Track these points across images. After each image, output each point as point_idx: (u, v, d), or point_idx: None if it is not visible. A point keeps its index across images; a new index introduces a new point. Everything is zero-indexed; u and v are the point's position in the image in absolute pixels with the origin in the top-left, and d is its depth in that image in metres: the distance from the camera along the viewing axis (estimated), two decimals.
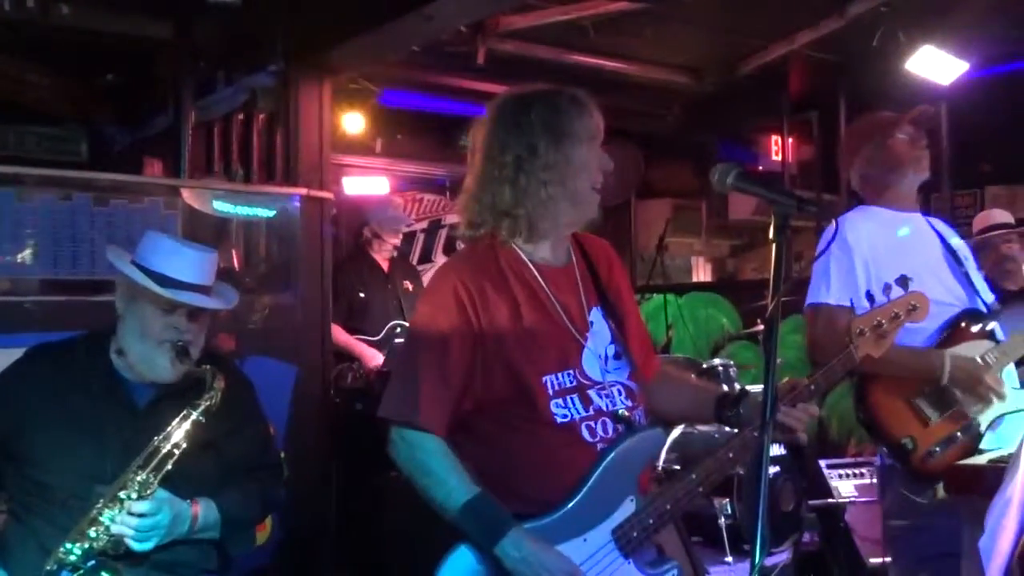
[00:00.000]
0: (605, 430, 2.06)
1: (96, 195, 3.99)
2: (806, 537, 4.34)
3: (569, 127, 2.06)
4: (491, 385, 2.02)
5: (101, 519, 2.21)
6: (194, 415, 2.28)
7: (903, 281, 2.22)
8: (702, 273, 9.22)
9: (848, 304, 2.72)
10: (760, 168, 7.56)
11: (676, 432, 4.81)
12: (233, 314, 3.93)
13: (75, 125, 5.48)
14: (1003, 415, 2.71)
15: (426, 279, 5.65)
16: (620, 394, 2.11)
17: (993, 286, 3.07)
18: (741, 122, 7.53)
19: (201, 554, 2.39)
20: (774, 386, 1.71)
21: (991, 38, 5.70)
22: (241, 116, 4.72)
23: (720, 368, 5.27)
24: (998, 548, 1.72)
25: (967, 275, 2.88)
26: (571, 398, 2.05)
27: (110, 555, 2.21)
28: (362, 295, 5.20)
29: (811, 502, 4.17)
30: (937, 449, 2.64)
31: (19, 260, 3.90)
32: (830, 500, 3.96)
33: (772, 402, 1.69)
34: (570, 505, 1.99)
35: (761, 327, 5.61)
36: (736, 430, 2.15)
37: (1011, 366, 2.81)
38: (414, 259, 7.18)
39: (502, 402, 2.04)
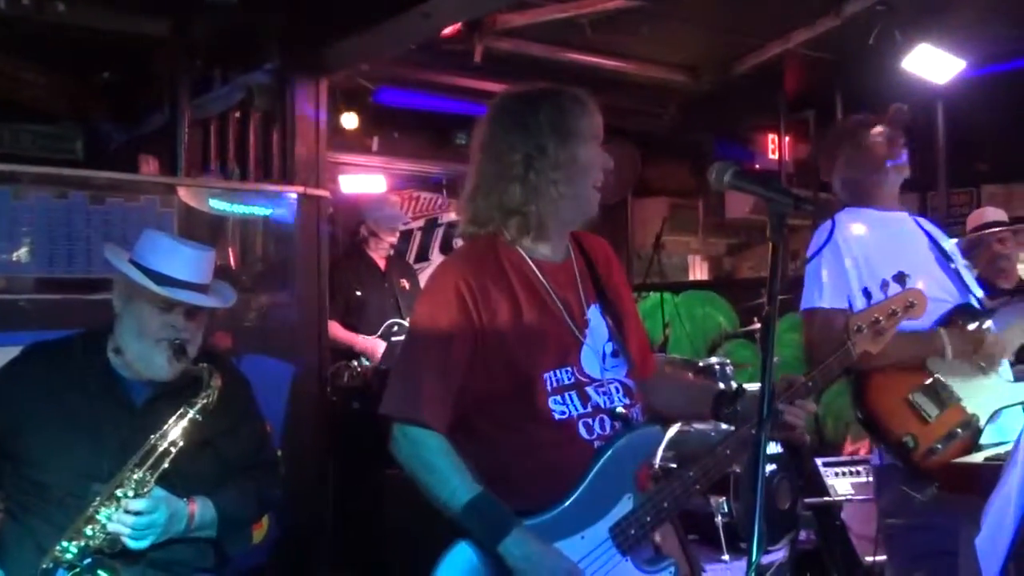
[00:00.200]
0: (603, 427, 2.07)
1: (92, 193, 3.99)
2: (802, 535, 4.35)
3: (575, 126, 2.08)
4: (490, 381, 2.03)
5: (98, 517, 2.21)
6: (191, 413, 2.28)
7: (900, 278, 2.23)
8: (699, 271, 9.23)
9: (842, 306, 2.72)
10: (757, 167, 7.57)
11: (673, 430, 4.81)
12: (230, 312, 3.90)
13: (71, 123, 5.46)
14: (1001, 409, 2.71)
15: (423, 278, 5.65)
16: (618, 392, 2.12)
17: (987, 284, 3.07)
18: (738, 121, 7.54)
19: (198, 552, 2.39)
20: (771, 384, 1.72)
21: (988, 37, 5.72)
22: (237, 114, 4.71)
23: (717, 366, 5.28)
24: (995, 546, 1.73)
25: (957, 271, 2.89)
26: (569, 395, 2.05)
27: (106, 553, 2.21)
28: (359, 293, 5.20)
29: (807, 500, 4.17)
30: (939, 446, 2.64)
31: (15, 258, 3.90)
32: (826, 498, 3.96)
33: (769, 400, 1.70)
34: (568, 502, 1.99)
35: (758, 325, 5.61)
36: (733, 428, 2.16)
37: (1005, 361, 2.82)
38: (411, 257, 7.18)
39: (501, 399, 2.04)
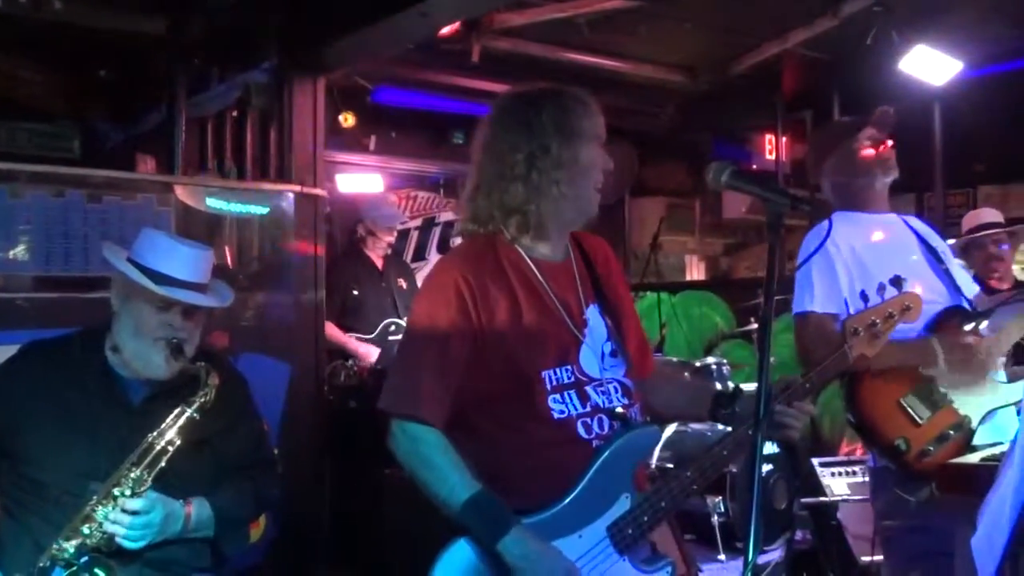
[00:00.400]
0: (601, 427, 2.07)
1: (89, 192, 3.98)
2: (798, 535, 4.36)
3: (578, 126, 2.09)
4: (490, 379, 2.03)
5: (95, 516, 2.21)
6: (189, 412, 2.28)
7: (897, 281, 2.23)
8: (696, 271, 9.24)
9: (833, 311, 2.73)
10: (754, 167, 7.57)
11: (669, 430, 4.82)
12: (227, 311, 3.90)
13: (68, 121, 5.46)
14: (994, 409, 2.72)
15: (420, 277, 5.65)
16: (616, 391, 2.12)
17: (982, 285, 3.07)
18: (735, 121, 7.55)
19: (194, 552, 2.39)
20: (768, 384, 1.72)
21: (985, 38, 5.73)
22: (235, 113, 4.70)
23: (713, 366, 5.29)
24: (991, 547, 1.73)
25: (947, 272, 2.89)
26: (569, 394, 2.06)
27: (103, 552, 2.21)
28: (356, 293, 5.20)
29: (803, 500, 4.17)
30: (931, 448, 2.65)
31: (12, 257, 3.89)
32: (822, 498, 3.97)
33: (766, 400, 1.70)
34: (566, 502, 1.99)
35: (754, 325, 5.62)
36: (731, 428, 2.16)
37: (999, 361, 2.82)
38: (408, 257, 7.18)
39: (500, 397, 2.04)
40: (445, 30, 4.91)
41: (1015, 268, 4.80)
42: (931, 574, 2.64)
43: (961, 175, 6.76)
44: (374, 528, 4.49)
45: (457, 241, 2.23)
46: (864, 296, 2.25)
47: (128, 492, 2.22)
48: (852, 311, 2.25)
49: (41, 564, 2.19)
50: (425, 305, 2.08)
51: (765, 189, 1.83)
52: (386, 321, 5.15)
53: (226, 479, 2.43)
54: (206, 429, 2.33)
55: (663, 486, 2.07)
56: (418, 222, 7.40)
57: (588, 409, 2.07)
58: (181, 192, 4.25)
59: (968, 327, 2.76)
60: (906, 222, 3.02)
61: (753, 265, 8.58)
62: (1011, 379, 2.82)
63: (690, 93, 6.62)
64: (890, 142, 2.97)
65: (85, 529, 2.21)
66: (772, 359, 4.56)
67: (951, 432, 2.67)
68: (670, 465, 4.57)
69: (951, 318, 2.79)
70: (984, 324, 2.79)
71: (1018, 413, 2.57)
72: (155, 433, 2.26)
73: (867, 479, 3.20)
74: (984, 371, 2.69)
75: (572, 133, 2.08)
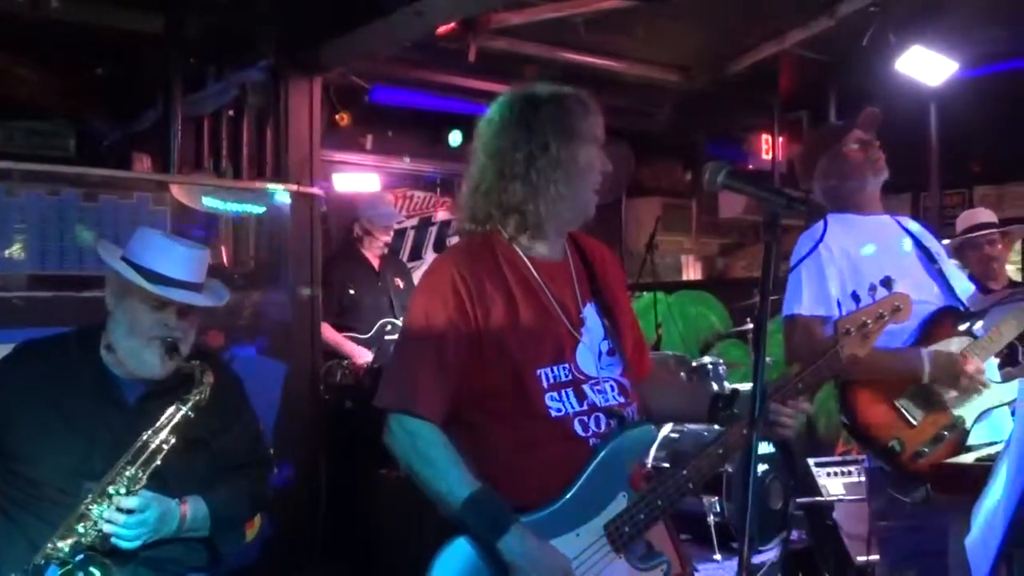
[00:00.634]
0: (598, 425, 2.07)
1: (84, 190, 3.98)
2: (794, 535, 4.36)
3: (578, 127, 2.10)
4: (486, 377, 2.03)
5: (90, 514, 2.21)
6: (183, 410, 2.28)
7: (887, 282, 2.24)
8: (692, 271, 9.25)
9: (821, 314, 2.74)
10: (750, 167, 7.58)
11: (665, 430, 4.83)
12: (223, 311, 3.91)
13: (63, 120, 5.45)
14: (988, 409, 2.72)
15: (416, 276, 5.64)
16: (613, 390, 2.12)
17: (977, 285, 3.08)
18: (732, 121, 7.55)
19: (190, 551, 2.39)
20: (763, 384, 1.72)
21: (980, 38, 5.73)
22: (231, 112, 4.70)
23: (709, 366, 5.30)
24: (985, 546, 1.74)
25: (941, 272, 2.90)
26: (566, 392, 2.06)
27: (98, 551, 2.21)
28: (352, 292, 5.19)
29: (799, 500, 4.18)
30: (925, 449, 2.66)
31: (7, 255, 3.89)
32: (818, 498, 3.97)
33: (761, 400, 1.70)
34: (563, 500, 1.99)
35: (751, 325, 5.62)
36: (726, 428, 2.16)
37: (992, 363, 2.83)
38: (404, 256, 7.17)
39: (496, 395, 2.05)
40: (441, 29, 4.91)
41: (1010, 269, 4.81)
42: (926, 573, 2.65)
43: (957, 175, 6.77)
44: (369, 528, 4.49)
45: (454, 240, 2.24)
46: (856, 297, 2.26)
47: (123, 490, 2.22)
48: (844, 312, 2.26)
49: (36, 562, 2.19)
50: (422, 302, 2.08)
51: (761, 189, 1.84)
52: (382, 321, 5.15)
53: (221, 478, 2.43)
54: (201, 428, 2.33)
55: (659, 485, 2.07)
56: (414, 221, 7.39)
57: (585, 407, 2.07)
58: (177, 191, 4.24)
59: (962, 327, 2.77)
60: (899, 223, 3.03)
61: (749, 265, 8.59)
62: (1005, 379, 2.82)
63: (687, 93, 6.61)
64: (878, 143, 2.98)
65: (80, 528, 2.21)
66: (768, 359, 4.57)
67: (945, 433, 2.68)
68: (666, 464, 4.58)
69: (944, 318, 2.79)
70: (979, 324, 2.80)
71: (1012, 413, 2.57)
72: (150, 431, 2.26)
73: (863, 479, 3.21)
74: (970, 394, 2.70)
75: (571, 134, 2.08)
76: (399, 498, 4.08)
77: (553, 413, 2.04)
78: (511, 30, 5.37)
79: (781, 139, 7.38)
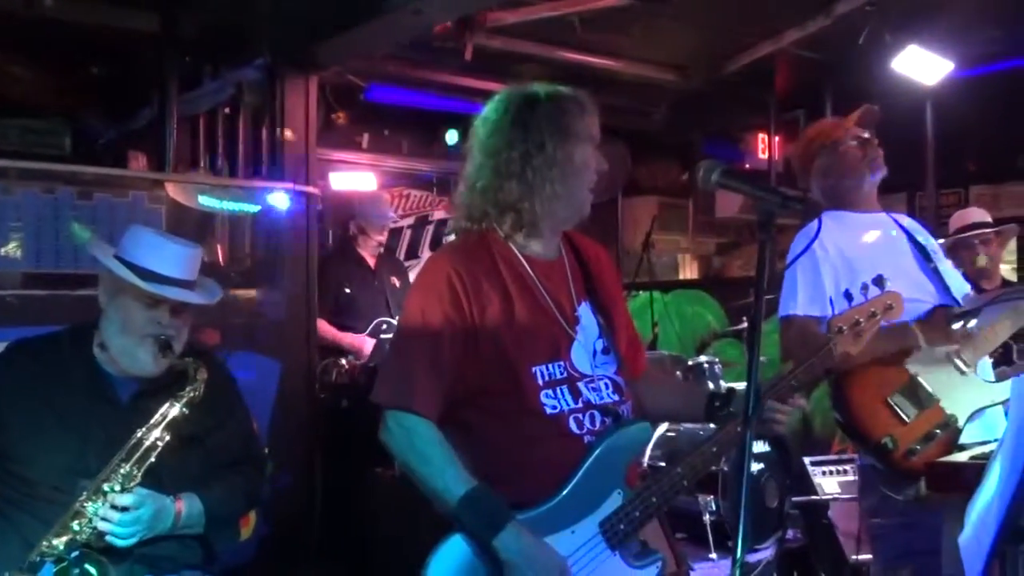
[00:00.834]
0: (593, 423, 2.08)
1: (79, 189, 3.97)
2: (789, 534, 4.36)
3: (574, 127, 2.10)
4: (482, 374, 2.04)
5: (85, 512, 2.21)
6: (177, 407, 2.28)
7: (880, 281, 2.25)
8: (688, 271, 9.25)
9: (817, 314, 2.74)
10: (747, 166, 7.58)
11: (661, 428, 4.82)
12: (218, 309, 3.90)
13: (59, 118, 5.44)
14: (981, 408, 2.73)
15: (413, 275, 5.64)
16: (607, 388, 2.13)
17: (971, 285, 3.08)
18: (728, 120, 7.55)
19: (184, 549, 2.39)
20: (757, 383, 1.72)
21: (976, 38, 5.74)
22: (227, 110, 4.69)
23: (705, 365, 5.29)
24: (978, 544, 1.74)
25: (936, 271, 2.90)
26: (561, 389, 2.06)
27: (93, 548, 2.21)
28: (348, 291, 5.19)
29: (795, 499, 4.18)
30: (917, 447, 2.66)
31: (2, 254, 3.88)
32: (813, 497, 3.98)
33: (755, 399, 1.71)
34: (559, 497, 2.00)
35: (746, 325, 5.62)
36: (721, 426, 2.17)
37: (987, 362, 2.83)
38: (401, 254, 7.17)
39: (492, 392, 2.05)
40: (437, 28, 4.91)
41: (1004, 268, 4.82)
42: (919, 571, 2.65)
43: (953, 175, 6.78)
44: (365, 526, 4.49)
45: (450, 239, 2.25)
46: (848, 295, 2.27)
47: (118, 488, 2.22)
48: (837, 310, 2.26)
49: (31, 558, 2.19)
50: (418, 299, 2.09)
51: (755, 188, 1.84)
52: (377, 320, 5.14)
53: (216, 475, 2.43)
54: (195, 425, 2.33)
55: (654, 482, 2.08)
56: (411, 220, 7.39)
57: (580, 405, 2.07)
58: (173, 190, 4.24)
59: (956, 326, 2.77)
60: (896, 221, 3.03)
61: (746, 264, 8.59)
62: (999, 379, 2.83)
63: (683, 92, 6.61)
64: (877, 140, 2.98)
65: (75, 526, 2.21)
66: (763, 358, 4.57)
67: (937, 431, 2.68)
68: (663, 463, 4.58)
69: (938, 317, 2.79)
70: (972, 323, 2.80)
71: (1005, 412, 2.57)
72: (144, 429, 2.26)
73: (858, 478, 3.21)
74: (974, 359, 2.70)
75: (568, 133, 2.09)
76: (395, 497, 4.08)
77: (548, 410, 2.04)
78: (507, 29, 5.37)
79: (777, 138, 7.39)
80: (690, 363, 5.37)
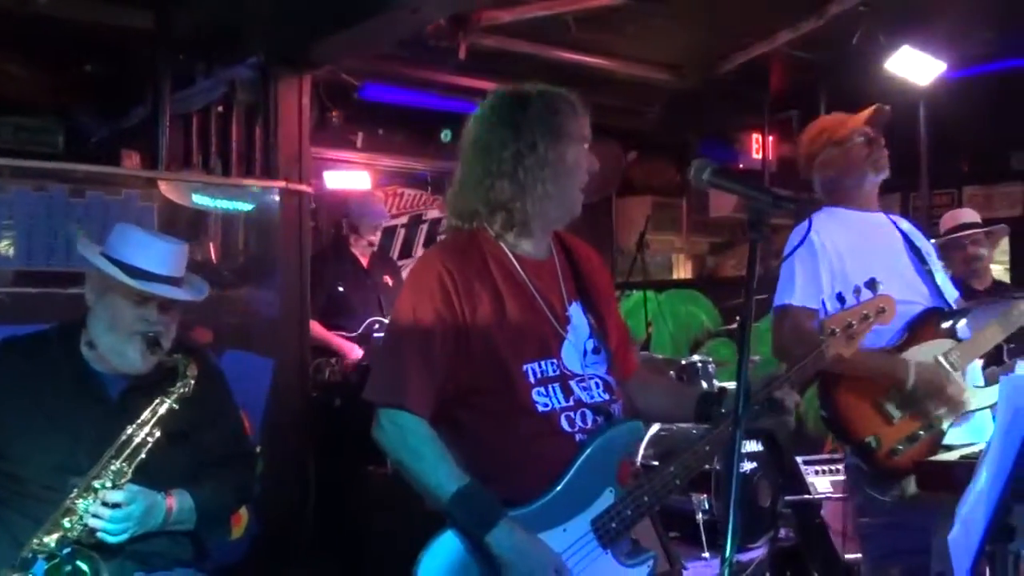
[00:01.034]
0: (584, 421, 2.08)
1: (72, 187, 3.96)
2: (782, 533, 4.37)
3: (565, 127, 2.11)
4: (473, 372, 2.04)
5: (76, 509, 2.21)
6: (168, 403, 2.28)
7: (872, 284, 2.25)
8: (682, 270, 9.27)
9: (813, 307, 2.74)
10: (741, 166, 7.59)
11: (655, 428, 4.83)
12: (211, 307, 3.90)
13: (52, 116, 5.43)
14: (969, 412, 2.73)
15: (406, 273, 5.63)
16: (598, 387, 2.14)
17: (961, 285, 3.09)
18: (722, 120, 7.56)
19: (176, 545, 2.39)
20: (747, 382, 1.73)
21: (969, 39, 5.76)
22: (220, 108, 4.68)
23: (699, 365, 5.30)
24: (967, 542, 1.75)
25: (930, 273, 2.91)
26: (553, 387, 2.07)
27: (84, 544, 2.20)
28: (341, 290, 5.18)
29: (787, 498, 4.19)
30: (900, 447, 2.67)
31: None
32: (806, 496, 3.98)
33: (745, 399, 1.71)
34: (551, 495, 2.01)
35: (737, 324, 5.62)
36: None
37: (976, 364, 2.84)
38: (394, 253, 7.17)
39: (484, 390, 2.06)
40: (429, 27, 4.90)
41: (994, 269, 4.83)
42: (910, 570, 2.66)
43: (946, 175, 6.80)
44: (358, 524, 4.48)
45: (440, 239, 2.26)
46: (841, 298, 2.28)
47: (108, 484, 2.22)
48: (830, 309, 2.27)
49: (23, 555, 2.18)
50: (409, 297, 2.09)
51: (746, 187, 1.84)
52: (370, 320, 5.13)
53: (206, 471, 2.43)
54: (185, 422, 2.33)
55: (646, 481, 2.08)
56: (405, 219, 7.39)
57: (571, 403, 2.08)
58: (166, 188, 4.23)
59: (944, 325, 2.78)
60: (894, 222, 3.03)
61: (740, 264, 8.60)
62: (988, 379, 2.83)
63: (677, 92, 6.62)
64: (884, 140, 2.97)
65: (66, 523, 2.21)
66: (756, 357, 4.58)
67: (921, 432, 2.69)
68: (655, 462, 4.58)
69: (930, 319, 2.80)
70: (962, 322, 2.81)
71: (993, 416, 2.58)
72: (134, 425, 2.26)
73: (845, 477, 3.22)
74: (953, 411, 2.70)
75: (559, 133, 2.10)
76: (388, 494, 4.08)
77: (540, 408, 2.05)
78: (502, 28, 5.37)
79: (771, 138, 7.40)
80: (683, 362, 5.38)
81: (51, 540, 2.19)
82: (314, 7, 4.35)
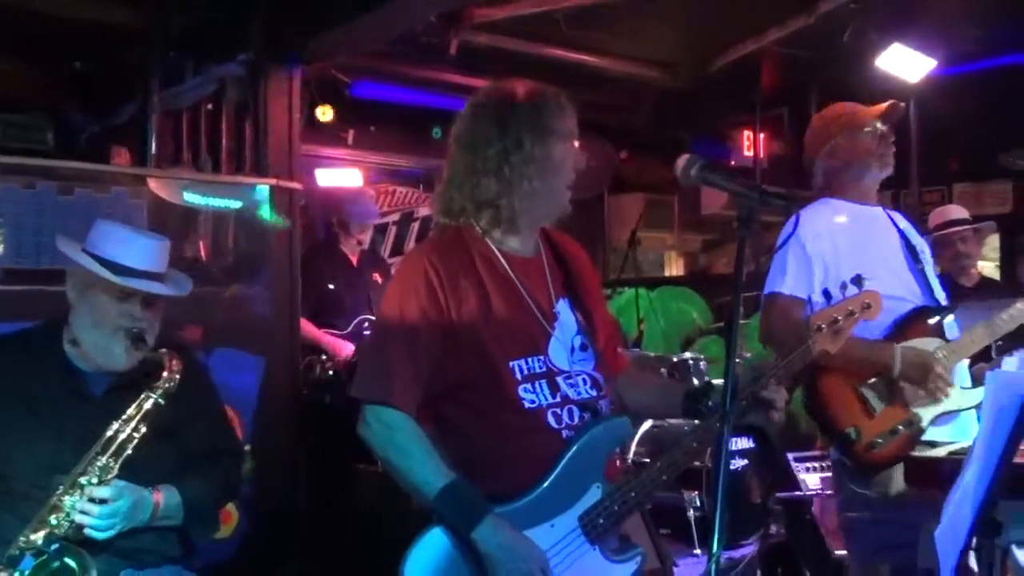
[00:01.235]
0: (571, 417, 2.09)
1: (61, 184, 3.94)
2: (773, 529, 4.38)
3: (552, 124, 2.11)
4: (460, 369, 2.05)
5: (62, 505, 2.20)
6: (153, 397, 2.27)
7: (858, 280, 2.26)
8: (674, 267, 9.28)
9: (802, 297, 2.75)
10: (732, 163, 7.60)
11: (646, 425, 4.82)
12: (201, 305, 3.89)
13: (41, 113, 5.39)
14: (955, 412, 2.74)
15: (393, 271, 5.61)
16: (585, 383, 2.14)
17: (948, 282, 3.10)
18: (714, 117, 7.57)
19: (164, 542, 2.38)
20: (735, 378, 1.73)
21: (958, 36, 5.77)
22: (209, 106, 4.67)
23: (690, 362, 5.30)
24: (954, 538, 1.75)
25: (923, 272, 2.91)
26: (539, 384, 2.07)
27: (72, 540, 2.20)
28: (331, 287, 5.16)
29: (778, 495, 4.20)
30: (879, 440, 2.68)
31: None
32: (797, 493, 3.99)
33: (732, 395, 1.72)
34: (538, 491, 2.01)
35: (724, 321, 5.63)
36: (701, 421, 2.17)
37: (963, 364, 2.84)
38: (386, 251, 7.15)
39: (470, 387, 2.06)
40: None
41: (982, 265, 4.85)
42: (897, 566, 2.67)
43: (936, 173, 6.82)
44: (348, 522, 4.48)
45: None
46: (827, 294, 2.28)
47: (95, 480, 2.21)
48: (818, 302, 2.28)
49: (11, 552, 2.18)
50: (395, 293, 2.10)
51: (734, 183, 1.84)
52: (360, 318, 5.12)
53: (193, 467, 2.43)
54: (170, 418, 2.33)
55: (634, 477, 2.09)
56: (396, 216, 7.37)
57: (558, 400, 2.08)
58: (155, 185, 4.21)
59: (931, 321, 2.79)
60: (891, 218, 3.03)
61: (731, 261, 8.55)
62: (975, 376, 2.84)
63: (669, 89, 6.63)
64: (893, 138, 2.97)
65: (52, 520, 2.20)
66: (747, 354, 4.57)
67: (901, 428, 2.70)
68: (647, 460, 4.58)
69: (919, 317, 2.80)
70: (949, 318, 2.82)
71: (978, 417, 2.59)
72: (120, 421, 2.25)
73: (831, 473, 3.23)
74: (938, 394, 2.71)
75: (545, 130, 2.10)
76: (378, 493, 4.07)
77: (527, 405, 2.05)
78: (493, 25, 5.36)
79: (762, 135, 7.41)
80: (675, 359, 5.38)
81: (38, 537, 2.18)
82: (305, 4, 4.34)
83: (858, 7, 5.29)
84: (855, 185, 2.96)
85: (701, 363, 5.31)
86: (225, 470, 2.53)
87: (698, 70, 6.39)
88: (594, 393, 2.14)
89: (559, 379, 2.09)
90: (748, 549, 4.32)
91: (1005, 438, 1.72)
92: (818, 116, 3.09)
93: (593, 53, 6.00)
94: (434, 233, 2.24)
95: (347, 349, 4.96)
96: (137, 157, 4.69)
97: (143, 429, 2.26)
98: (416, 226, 7.37)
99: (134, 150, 4.84)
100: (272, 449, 4.29)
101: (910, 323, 2.79)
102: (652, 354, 5.77)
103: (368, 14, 4.09)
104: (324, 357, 4.91)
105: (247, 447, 4.03)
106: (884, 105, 2.98)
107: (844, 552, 3.64)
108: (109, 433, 2.24)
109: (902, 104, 2.99)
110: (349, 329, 5.10)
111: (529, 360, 2.07)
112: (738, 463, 4.45)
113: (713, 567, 1.62)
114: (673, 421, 4.82)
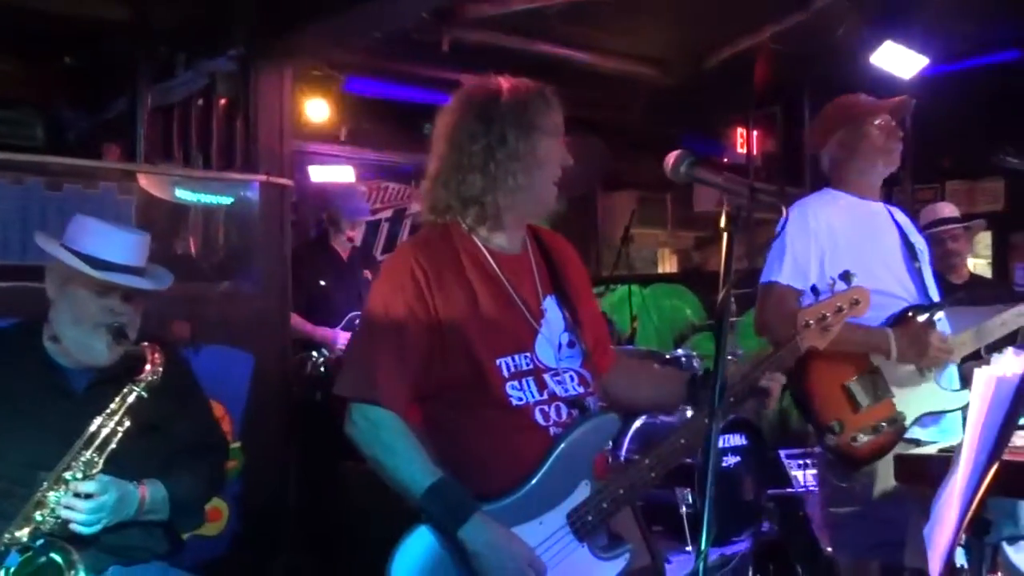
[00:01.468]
0: (559, 414, 2.08)
1: (49, 180, 3.91)
2: (765, 526, 4.38)
3: (537, 120, 2.10)
4: (446, 366, 2.03)
5: (47, 501, 2.19)
6: (136, 391, 2.26)
7: (846, 276, 2.26)
8: (667, 264, 9.29)
9: (798, 287, 2.74)
10: (725, 160, 7.60)
11: (639, 422, 4.82)
12: (191, 301, 3.87)
13: (31, 108, 5.37)
14: (940, 413, 2.75)
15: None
16: (573, 380, 2.13)
17: (938, 279, 3.10)
18: (707, 114, 7.57)
19: (150, 538, 2.38)
20: (724, 374, 1.73)
21: (951, 34, 5.77)
22: (200, 101, 4.64)
23: (683, 359, 5.30)
24: (943, 534, 1.75)
25: (919, 271, 2.91)
26: (527, 381, 2.06)
27: (58, 536, 2.18)
28: (323, 283, 5.15)
29: (771, 491, 4.20)
30: (862, 435, 2.69)
31: None
32: (789, 490, 3.99)
33: (720, 392, 1.71)
34: (526, 488, 2.00)
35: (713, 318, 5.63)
36: (694, 414, 2.17)
37: (952, 366, 2.84)
38: (378, 248, 7.14)
39: (457, 385, 2.05)
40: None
41: (971, 263, 4.85)
42: (887, 563, 2.67)
43: (929, 170, 6.82)
44: (338, 519, 4.47)
45: None
46: (815, 290, 2.29)
47: (79, 475, 2.20)
48: (804, 303, 2.28)
49: None
50: (381, 291, 2.08)
51: (724, 180, 1.84)
52: (351, 314, 5.10)
53: (178, 462, 2.42)
54: (154, 413, 2.32)
55: (622, 473, 2.08)
56: (388, 213, 7.36)
57: (545, 397, 2.07)
58: (146, 181, 4.19)
59: (921, 318, 2.79)
60: (891, 215, 3.03)
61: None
62: (964, 375, 2.84)
63: (662, 86, 6.62)
64: (901, 134, 2.96)
65: (38, 516, 2.19)
66: (740, 351, 4.57)
67: (884, 425, 2.71)
68: (639, 457, 4.58)
69: (912, 315, 2.80)
70: (940, 315, 2.82)
71: (963, 418, 2.59)
72: (103, 415, 2.24)
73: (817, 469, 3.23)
74: (939, 360, 2.71)
75: (530, 126, 2.09)
76: (368, 490, 4.06)
77: (514, 402, 2.04)
78: (486, 22, 5.35)
79: (756, 133, 7.41)
80: (668, 356, 5.38)
81: (23, 534, 2.17)
82: None
83: (851, 4, 5.29)
84: (860, 179, 2.96)
85: (694, 360, 5.31)
86: (210, 464, 2.52)
87: (691, 67, 6.39)
88: (582, 390, 2.13)
89: (546, 376, 2.08)
90: (740, 546, 4.32)
91: (994, 435, 1.72)
92: (829, 107, 3.08)
93: (586, 50, 5.99)
94: (420, 230, 2.23)
95: (341, 339, 4.93)
96: (127, 153, 4.67)
97: (127, 423, 2.24)
98: (408, 223, 7.35)
99: (124, 146, 4.82)
100: (262, 446, 4.27)
101: (903, 321, 2.79)
102: (645, 349, 5.77)
103: (357, 8, 4.07)
104: (315, 354, 4.90)
105: (237, 444, 4.02)
106: (895, 100, 2.97)
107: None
108: (92, 428, 2.22)
109: (913, 100, 2.98)
110: (340, 325, 5.08)
111: (516, 357, 2.06)
112: (730, 460, 4.45)
113: (701, 565, 1.62)
114: (665, 418, 4.82)
